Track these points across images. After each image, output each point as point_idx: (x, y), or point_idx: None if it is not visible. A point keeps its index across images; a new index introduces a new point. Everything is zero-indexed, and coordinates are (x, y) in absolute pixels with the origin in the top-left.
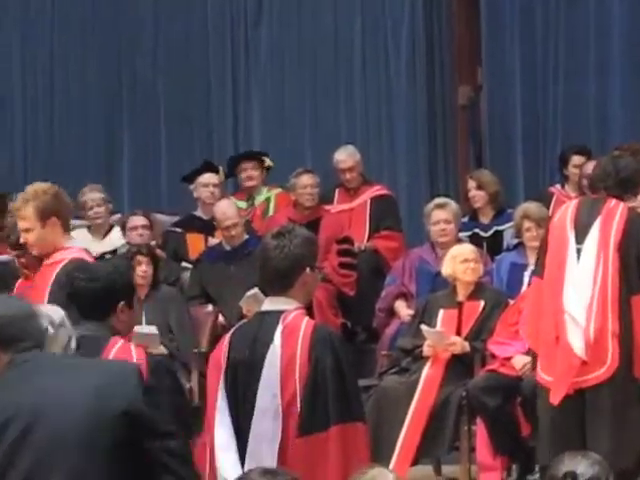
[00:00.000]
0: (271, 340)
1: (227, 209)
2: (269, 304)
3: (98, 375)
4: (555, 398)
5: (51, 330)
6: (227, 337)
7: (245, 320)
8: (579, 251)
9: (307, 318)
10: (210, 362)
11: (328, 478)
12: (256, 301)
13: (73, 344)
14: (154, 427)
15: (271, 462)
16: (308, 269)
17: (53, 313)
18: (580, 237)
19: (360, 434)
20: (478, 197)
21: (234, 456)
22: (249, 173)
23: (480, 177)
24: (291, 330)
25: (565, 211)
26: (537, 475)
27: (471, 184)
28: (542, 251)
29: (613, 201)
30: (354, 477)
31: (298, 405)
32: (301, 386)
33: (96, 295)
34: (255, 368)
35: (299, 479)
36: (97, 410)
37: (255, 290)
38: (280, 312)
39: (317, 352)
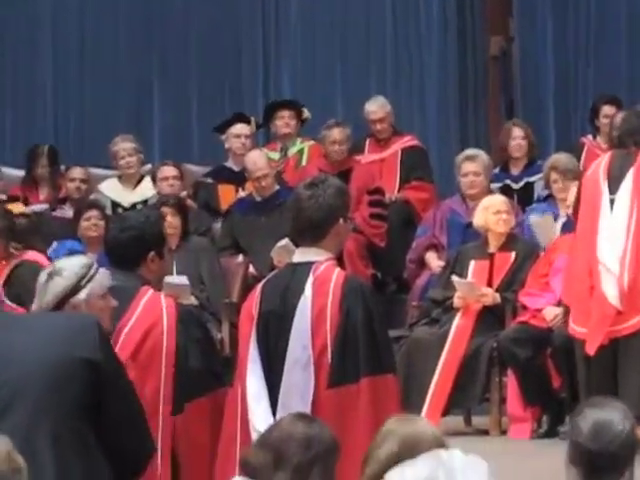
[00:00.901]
0: (302, 291)
1: (258, 159)
2: (300, 255)
3: (61, 327)
4: (591, 348)
5: (44, 278)
6: (258, 288)
7: (276, 271)
8: (612, 202)
9: (338, 269)
10: (242, 313)
11: (359, 430)
12: (287, 252)
13: (82, 295)
14: (113, 380)
15: None
16: (341, 220)
17: (64, 262)
18: (613, 188)
19: (391, 386)
20: (522, 145)
21: (266, 406)
22: (286, 121)
23: (526, 127)
24: (322, 281)
25: (598, 165)
26: (567, 426)
27: (517, 132)
28: (576, 207)
29: None
30: (391, 428)
31: (329, 356)
32: (332, 337)
33: (126, 244)
34: (286, 319)
35: (330, 429)
36: (62, 358)
37: (286, 241)
38: (311, 263)
39: (348, 303)
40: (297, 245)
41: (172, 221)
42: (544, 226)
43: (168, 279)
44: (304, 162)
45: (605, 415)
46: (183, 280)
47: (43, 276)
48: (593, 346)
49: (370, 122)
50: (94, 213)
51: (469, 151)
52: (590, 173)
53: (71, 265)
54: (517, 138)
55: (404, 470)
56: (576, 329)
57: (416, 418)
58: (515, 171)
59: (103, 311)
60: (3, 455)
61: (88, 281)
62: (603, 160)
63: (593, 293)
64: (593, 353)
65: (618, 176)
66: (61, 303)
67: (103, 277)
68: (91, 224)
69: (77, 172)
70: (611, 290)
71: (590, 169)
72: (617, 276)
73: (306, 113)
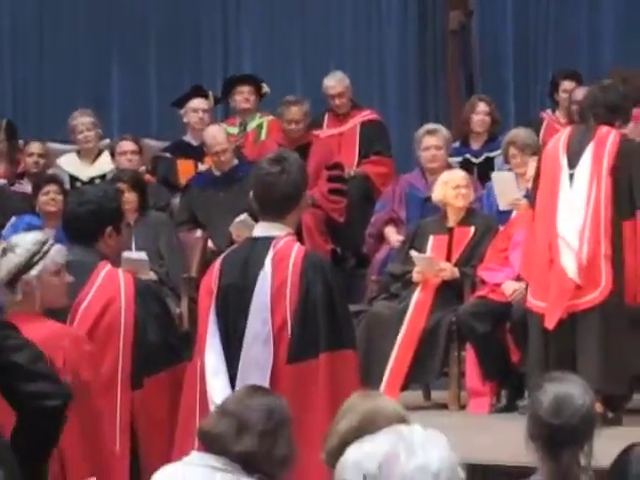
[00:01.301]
0: (262, 266)
1: (217, 134)
2: (260, 230)
3: None
4: (550, 322)
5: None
6: (218, 262)
7: (235, 245)
8: (572, 176)
9: (298, 244)
10: (201, 287)
11: (318, 404)
12: (246, 227)
13: (34, 271)
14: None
15: None
16: (304, 194)
17: (19, 238)
18: (573, 162)
19: (350, 361)
20: (485, 121)
21: (224, 380)
22: (245, 96)
23: (491, 102)
24: (282, 256)
25: (558, 139)
26: (527, 401)
27: (482, 107)
28: (536, 182)
29: (605, 128)
30: (352, 403)
31: (288, 331)
32: (291, 312)
33: (84, 218)
34: (246, 293)
35: (287, 404)
36: None
37: (244, 216)
38: (271, 238)
39: (308, 278)
40: (257, 220)
41: (128, 196)
42: (505, 182)
43: (126, 254)
44: (263, 137)
45: (565, 389)
46: (142, 255)
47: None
48: (552, 320)
49: (329, 97)
50: (52, 188)
51: (430, 125)
52: (550, 148)
53: (24, 242)
54: (481, 113)
55: (363, 445)
56: (534, 303)
57: (378, 394)
58: (475, 146)
59: (57, 287)
60: None
61: (41, 258)
62: (563, 134)
63: (552, 267)
64: (552, 327)
65: (577, 151)
66: (14, 280)
67: (56, 254)
68: (49, 198)
69: (35, 147)
70: (570, 264)
71: (550, 143)
72: (576, 250)
73: (265, 88)
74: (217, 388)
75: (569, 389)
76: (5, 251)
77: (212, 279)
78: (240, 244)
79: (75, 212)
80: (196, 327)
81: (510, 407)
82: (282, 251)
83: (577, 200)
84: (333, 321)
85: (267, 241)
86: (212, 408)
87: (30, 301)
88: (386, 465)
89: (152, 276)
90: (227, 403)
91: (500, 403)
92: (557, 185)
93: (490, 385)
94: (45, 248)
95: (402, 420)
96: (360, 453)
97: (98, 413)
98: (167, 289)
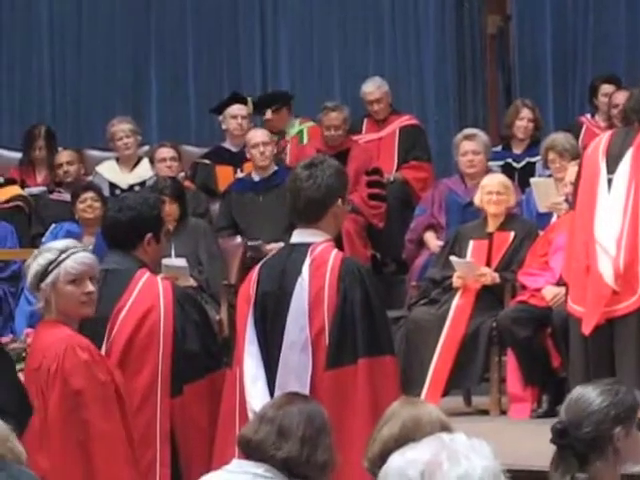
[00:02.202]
0: (299, 272)
1: (257, 130)
2: (298, 236)
3: None
4: (587, 328)
5: (29, 261)
6: (256, 269)
7: (274, 252)
8: (610, 181)
9: (335, 250)
10: (239, 295)
11: (357, 411)
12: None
13: (48, 279)
14: None
15: None
16: (339, 201)
17: (47, 246)
18: (612, 167)
19: (389, 367)
20: (529, 128)
21: (263, 387)
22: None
23: (534, 108)
24: (319, 263)
25: (598, 143)
26: None
27: (525, 113)
28: (576, 186)
29: None
30: (394, 410)
31: (326, 338)
32: (329, 319)
33: (123, 225)
34: (284, 300)
35: (326, 410)
36: None
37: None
38: (309, 244)
39: (345, 285)
40: (294, 226)
41: (170, 208)
42: (544, 188)
43: (166, 261)
44: (305, 142)
45: (586, 391)
46: (182, 262)
47: (30, 259)
48: (589, 326)
49: (367, 103)
50: (90, 195)
51: (467, 130)
52: (590, 151)
53: (47, 249)
54: (524, 119)
55: (406, 452)
56: (574, 307)
57: (420, 401)
58: (517, 150)
59: (73, 296)
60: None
61: (56, 266)
62: (603, 138)
63: (589, 273)
64: (589, 333)
65: (617, 155)
66: (36, 287)
67: (75, 262)
68: (86, 206)
69: (63, 156)
70: (607, 270)
71: (590, 147)
72: (613, 256)
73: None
74: (256, 395)
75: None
76: (35, 257)
77: (250, 286)
78: (278, 251)
79: (115, 218)
80: (235, 334)
81: (551, 412)
82: (320, 257)
83: (615, 206)
84: (371, 327)
85: (304, 247)
86: (251, 415)
87: (49, 309)
88: (428, 473)
89: (192, 283)
90: (267, 410)
91: (541, 408)
92: (595, 190)
93: (531, 390)
94: (62, 257)
95: (445, 427)
96: (403, 460)
97: (92, 425)
98: (207, 296)
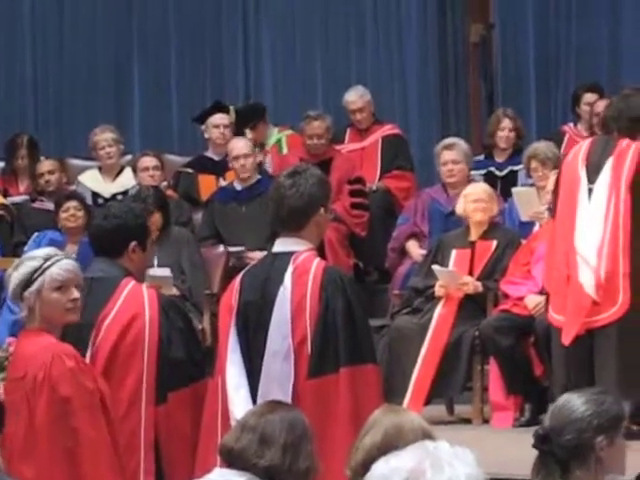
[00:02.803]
0: (282, 281)
1: (239, 141)
2: (280, 245)
3: None
4: (566, 338)
5: (9, 271)
6: (238, 278)
7: (255, 261)
8: (590, 191)
9: (318, 259)
10: (221, 304)
11: (339, 419)
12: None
13: (33, 287)
14: None
15: None
16: (322, 209)
17: (28, 255)
18: (592, 177)
19: (371, 376)
20: (510, 138)
21: (246, 396)
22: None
23: (516, 118)
24: (302, 271)
25: (577, 151)
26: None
27: (506, 123)
28: (556, 193)
29: (625, 141)
30: (376, 418)
31: (309, 347)
32: (311, 328)
33: (108, 232)
34: (266, 309)
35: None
36: None
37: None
38: (291, 253)
39: (327, 293)
40: (277, 235)
41: (153, 217)
42: (526, 197)
43: (151, 271)
44: (284, 151)
45: (571, 398)
46: (166, 272)
47: (11, 268)
48: (569, 336)
49: (350, 112)
50: (73, 204)
51: (447, 140)
52: (569, 160)
53: (29, 257)
54: (505, 129)
55: (390, 460)
56: (555, 317)
57: (402, 409)
58: (500, 159)
59: (58, 303)
60: None
61: (40, 274)
62: (583, 147)
63: (570, 283)
64: (568, 343)
65: (597, 164)
66: (19, 296)
67: (60, 270)
68: (69, 215)
69: (45, 166)
70: (588, 280)
71: (569, 155)
72: (594, 267)
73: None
74: (239, 403)
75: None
76: (16, 267)
77: (232, 295)
78: (260, 260)
79: (100, 226)
80: (217, 343)
81: (534, 421)
82: (302, 266)
83: (595, 215)
84: (353, 336)
85: (287, 256)
86: (233, 424)
87: (32, 317)
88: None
89: (175, 292)
90: (248, 418)
91: (524, 417)
92: (575, 199)
93: (513, 399)
94: (47, 264)
95: (427, 435)
96: (387, 468)
97: (80, 432)
98: (190, 305)
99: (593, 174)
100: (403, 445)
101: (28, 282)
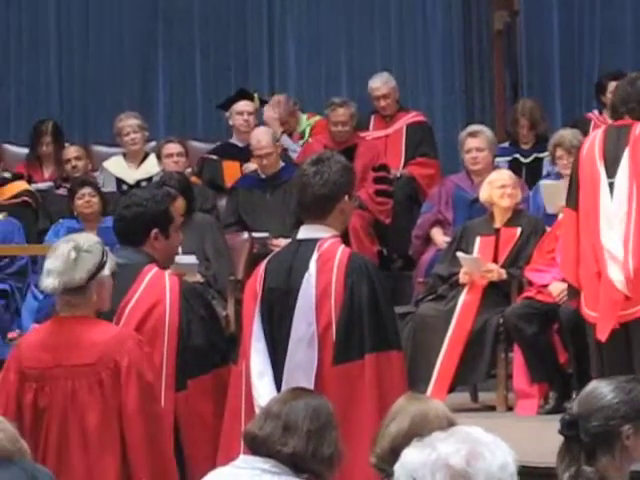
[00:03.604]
0: (306, 268)
1: (262, 137)
2: (305, 232)
3: None
4: (602, 334)
5: (73, 255)
6: (263, 265)
7: (280, 248)
8: (611, 185)
9: (343, 246)
10: (245, 291)
11: (364, 406)
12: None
13: (106, 271)
14: None
15: None
16: (346, 197)
17: (82, 239)
18: (611, 171)
19: (396, 362)
20: (528, 136)
21: (270, 383)
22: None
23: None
24: (326, 258)
25: (592, 143)
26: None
27: (523, 122)
28: (572, 183)
29: (638, 127)
30: (401, 406)
31: (333, 333)
32: (336, 314)
33: (129, 220)
34: (290, 296)
35: (333, 406)
36: None
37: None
38: (316, 240)
39: (352, 280)
40: (301, 222)
41: (175, 204)
42: (554, 191)
43: (177, 259)
44: (307, 138)
45: (600, 385)
46: (192, 259)
47: (68, 252)
48: (604, 332)
49: (374, 98)
50: (87, 190)
51: (472, 127)
52: (586, 152)
53: (91, 241)
54: (524, 127)
55: (424, 447)
56: (588, 313)
57: (426, 397)
58: (525, 146)
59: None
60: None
61: (107, 260)
62: (596, 139)
63: (601, 279)
64: (605, 340)
65: (614, 157)
66: (91, 279)
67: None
68: (84, 202)
69: (71, 151)
70: (617, 276)
71: (584, 148)
72: (621, 262)
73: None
74: (262, 391)
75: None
76: (78, 250)
77: (257, 282)
78: (285, 247)
79: (121, 214)
80: (242, 330)
81: (558, 408)
82: (327, 253)
83: (619, 210)
84: (378, 322)
85: (312, 243)
86: (257, 411)
87: (89, 304)
88: (473, 462)
89: (199, 278)
90: (272, 405)
91: (548, 405)
92: (598, 195)
93: (538, 387)
94: (106, 248)
95: (451, 422)
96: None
97: (162, 417)
98: (214, 291)
99: (611, 167)
100: (428, 432)
101: (102, 264)
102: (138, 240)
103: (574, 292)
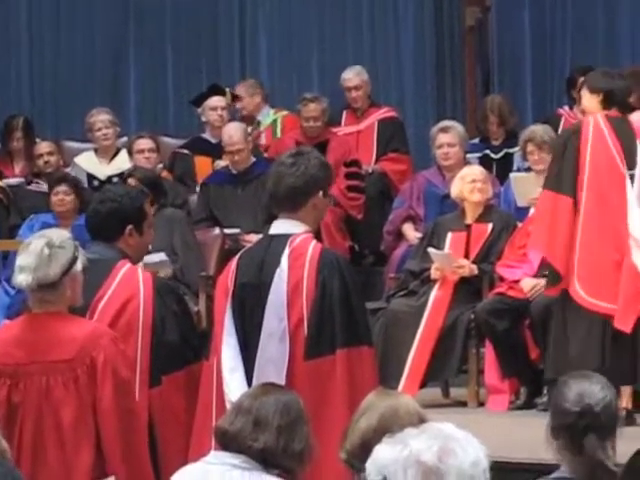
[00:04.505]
0: (278, 263)
1: (234, 133)
2: (277, 227)
3: None
4: (625, 324)
5: (46, 251)
6: (234, 260)
7: (252, 244)
8: (632, 177)
9: (314, 242)
10: (217, 286)
11: (335, 401)
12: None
13: (78, 266)
14: None
15: None
16: (320, 193)
17: (55, 234)
18: (630, 163)
19: (367, 358)
20: (498, 132)
21: (241, 378)
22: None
23: (500, 105)
24: (298, 254)
25: (600, 132)
26: (545, 398)
27: (492, 119)
28: (567, 169)
29: (634, 116)
30: (371, 402)
31: (305, 329)
32: (307, 310)
33: (103, 216)
34: (262, 291)
35: (303, 400)
36: None
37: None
38: (288, 235)
39: (324, 276)
40: (273, 217)
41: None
42: (524, 183)
43: (147, 258)
44: (278, 133)
45: (589, 384)
46: (161, 256)
47: (41, 248)
48: (627, 321)
49: (346, 90)
50: (62, 188)
51: (443, 123)
52: (594, 142)
53: (63, 236)
54: (494, 124)
55: (395, 444)
56: (593, 302)
57: (397, 393)
58: (495, 142)
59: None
60: None
61: (78, 255)
62: (603, 128)
63: (621, 269)
64: (629, 330)
65: (630, 148)
66: (65, 274)
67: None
68: (58, 199)
69: (43, 147)
70: None
71: (589, 139)
72: None
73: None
74: (234, 386)
75: (592, 384)
76: (51, 246)
77: (228, 277)
78: (257, 242)
79: (96, 209)
80: (213, 326)
81: (529, 404)
82: (298, 249)
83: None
84: (349, 318)
85: (284, 239)
86: (228, 406)
87: (62, 300)
88: (445, 460)
89: (169, 273)
90: (242, 400)
91: (519, 400)
92: (616, 185)
93: (509, 382)
94: (75, 245)
95: (422, 418)
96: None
97: (137, 413)
98: (184, 287)
99: (630, 160)
100: (398, 428)
101: (74, 260)
102: (111, 236)
103: (556, 278)
